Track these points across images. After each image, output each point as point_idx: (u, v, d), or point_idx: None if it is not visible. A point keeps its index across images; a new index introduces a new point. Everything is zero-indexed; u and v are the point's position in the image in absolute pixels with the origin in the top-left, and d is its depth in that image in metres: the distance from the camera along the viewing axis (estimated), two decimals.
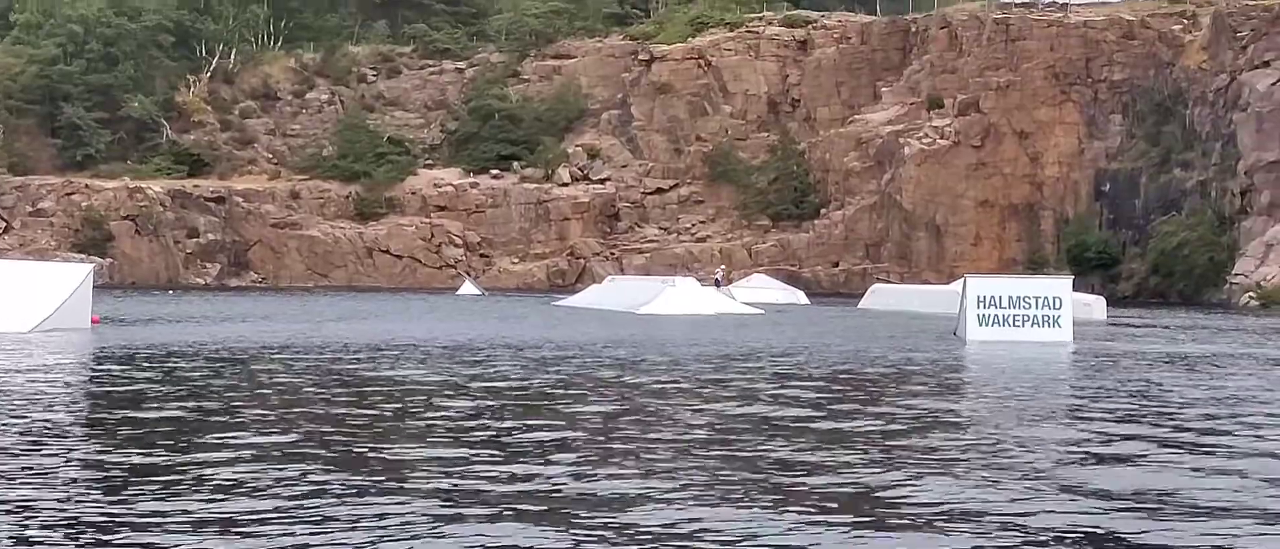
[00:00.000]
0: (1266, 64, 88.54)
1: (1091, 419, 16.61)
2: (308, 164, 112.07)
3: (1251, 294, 77.01)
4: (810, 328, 42.03)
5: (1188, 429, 15.62)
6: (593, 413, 16.59)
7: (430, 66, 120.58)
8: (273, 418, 15.63)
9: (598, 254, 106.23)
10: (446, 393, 18.70)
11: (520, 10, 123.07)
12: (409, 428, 14.80)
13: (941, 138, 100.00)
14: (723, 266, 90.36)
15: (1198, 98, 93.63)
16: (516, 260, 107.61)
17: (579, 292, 77.09)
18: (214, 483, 11.02)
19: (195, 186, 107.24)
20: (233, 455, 12.45)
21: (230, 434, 13.91)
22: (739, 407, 17.48)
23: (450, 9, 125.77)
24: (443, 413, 16.22)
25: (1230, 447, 14.09)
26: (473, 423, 15.23)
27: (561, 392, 19.32)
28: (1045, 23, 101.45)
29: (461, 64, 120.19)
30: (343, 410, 16.48)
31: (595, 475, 11.66)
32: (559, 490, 10.95)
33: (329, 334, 33.86)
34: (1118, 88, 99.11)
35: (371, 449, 13.07)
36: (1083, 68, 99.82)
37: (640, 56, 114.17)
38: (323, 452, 12.83)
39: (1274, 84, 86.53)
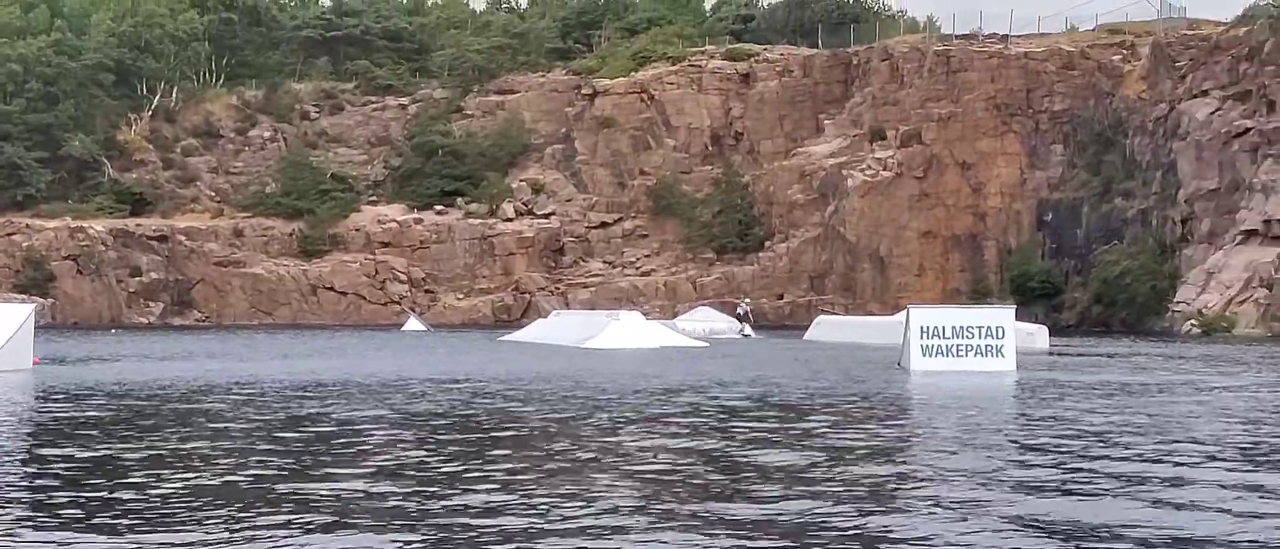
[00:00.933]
0: (1205, 93, 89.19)
1: (1032, 448, 16.63)
2: (251, 202, 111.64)
3: (1193, 322, 77.42)
4: (755, 360, 42.02)
5: (1130, 458, 15.65)
6: (529, 448, 16.51)
7: (373, 103, 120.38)
8: (197, 456, 15.50)
9: (543, 289, 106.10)
10: (373, 428, 18.60)
11: (463, 46, 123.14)
12: (336, 461, 14.71)
13: (884, 169, 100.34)
14: (748, 300, 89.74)
15: (1138, 127, 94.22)
16: (461, 296, 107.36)
17: (524, 327, 76.91)
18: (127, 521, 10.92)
19: (137, 225, 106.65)
20: (150, 494, 12.33)
21: (156, 472, 13.78)
22: (675, 440, 17.43)
23: (392, 45, 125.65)
24: (367, 448, 16.13)
25: (1173, 477, 14.12)
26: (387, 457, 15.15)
27: (490, 424, 19.23)
28: (986, 54, 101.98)
29: (404, 100, 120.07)
30: (269, 446, 16.36)
31: (525, 507, 11.60)
32: (480, 524, 10.88)
33: (266, 371, 33.65)
34: (1058, 118, 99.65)
35: (296, 485, 12.97)
36: (1024, 98, 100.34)
37: (583, 91, 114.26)
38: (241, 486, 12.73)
39: (1213, 113, 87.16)
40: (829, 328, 70.34)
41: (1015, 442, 17.51)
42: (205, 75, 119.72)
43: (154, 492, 12.69)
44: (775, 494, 12.61)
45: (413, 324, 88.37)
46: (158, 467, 14.51)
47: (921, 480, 13.52)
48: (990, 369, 34.53)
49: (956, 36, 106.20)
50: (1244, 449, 16.68)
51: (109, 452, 16.03)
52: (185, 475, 13.81)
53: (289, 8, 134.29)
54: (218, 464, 14.82)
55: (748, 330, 75.34)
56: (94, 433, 18.24)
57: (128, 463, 14.93)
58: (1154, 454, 15.96)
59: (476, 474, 13.93)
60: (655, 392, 26.69)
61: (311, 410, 22.03)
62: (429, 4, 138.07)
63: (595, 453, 16.02)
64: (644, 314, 68.93)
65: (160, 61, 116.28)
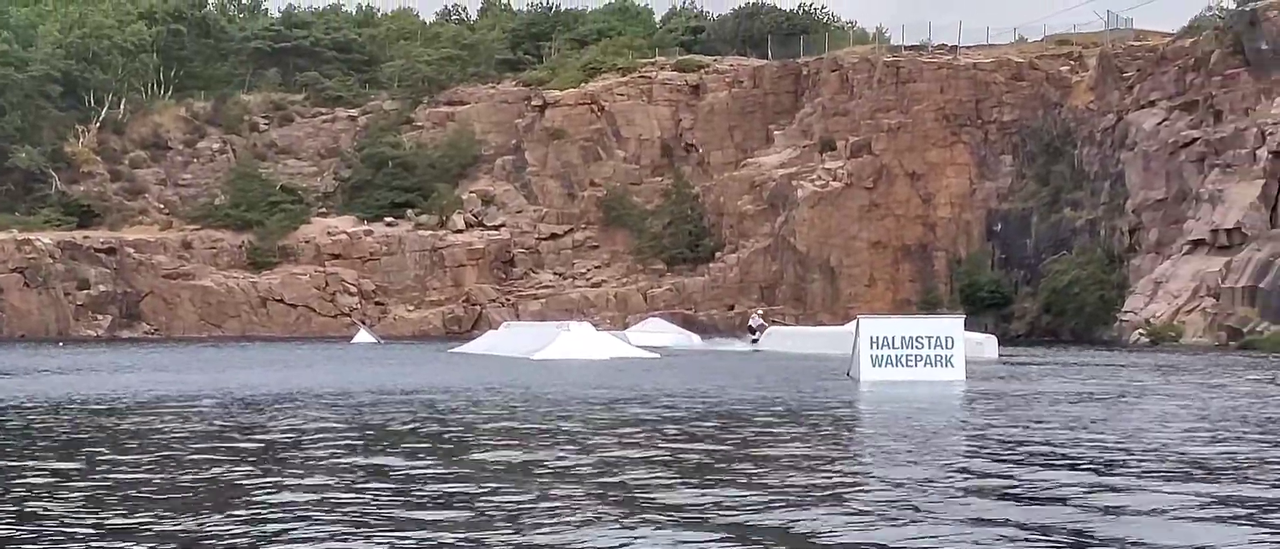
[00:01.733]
0: (1152, 104, 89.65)
1: (979, 455, 16.66)
2: (200, 214, 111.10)
3: (1141, 331, 77.73)
4: (705, 370, 42.03)
5: (1083, 466, 15.69)
6: (470, 456, 16.44)
7: (323, 114, 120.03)
8: (130, 465, 15.39)
9: (493, 300, 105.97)
10: (307, 440, 18.51)
11: (413, 57, 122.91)
12: (284, 469, 14.62)
13: (834, 180, 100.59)
14: (762, 309, 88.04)
15: (1086, 137, 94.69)
16: (412, 308, 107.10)
17: (475, 338, 76.75)
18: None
19: (85, 238, 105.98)
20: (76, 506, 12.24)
21: (87, 485, 13.68)
22: (617, 448, 17.39)
23: (342, 57, 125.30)
24: (308, 456, 16.04)
25: (1125, 486, 14.16)
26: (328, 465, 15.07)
27: (434, 433, 19.16)
28: (935, 65, 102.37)
29: (354, 112, 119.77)
30: (209, 458, 16.25)
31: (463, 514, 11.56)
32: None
33: (208, 384, 33.48)
34: (1007, 128, 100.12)
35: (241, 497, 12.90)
36: (973, 109, 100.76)
37: (533, 102, 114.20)
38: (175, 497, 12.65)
39: (1160, 123, 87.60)
40: (779, 338, 70.43)
41: (963, 450, 17.53)
42: (153, 87, 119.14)
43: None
44: (716, 499, 12.58)
45: (363, 336, 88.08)
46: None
47: (870, 486, 13.52)
48: (940, 379, 34.63)
49: (906, 47, 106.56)
50: (1189, 457, 16.74)
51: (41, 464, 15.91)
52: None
53: (238, 19, 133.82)
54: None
55: (759, 341, 72.23)
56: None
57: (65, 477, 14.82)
58: (1100, 461, 16.01)
59: (407, 483, 13.86)
60: (601, 402, 26.65)
61: (251, 422, 21.91)
62: (379, 15, 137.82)
63: (534, 461, 15.97)
64: (594, 325, 68.84)
65: (108, 73, 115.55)
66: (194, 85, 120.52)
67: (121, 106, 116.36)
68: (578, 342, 55.36)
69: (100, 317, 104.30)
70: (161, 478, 14.71)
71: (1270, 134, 76.26)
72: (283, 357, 56.41)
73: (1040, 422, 21.89)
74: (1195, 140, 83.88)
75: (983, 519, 11.69)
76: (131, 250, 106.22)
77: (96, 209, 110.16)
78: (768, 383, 34.27)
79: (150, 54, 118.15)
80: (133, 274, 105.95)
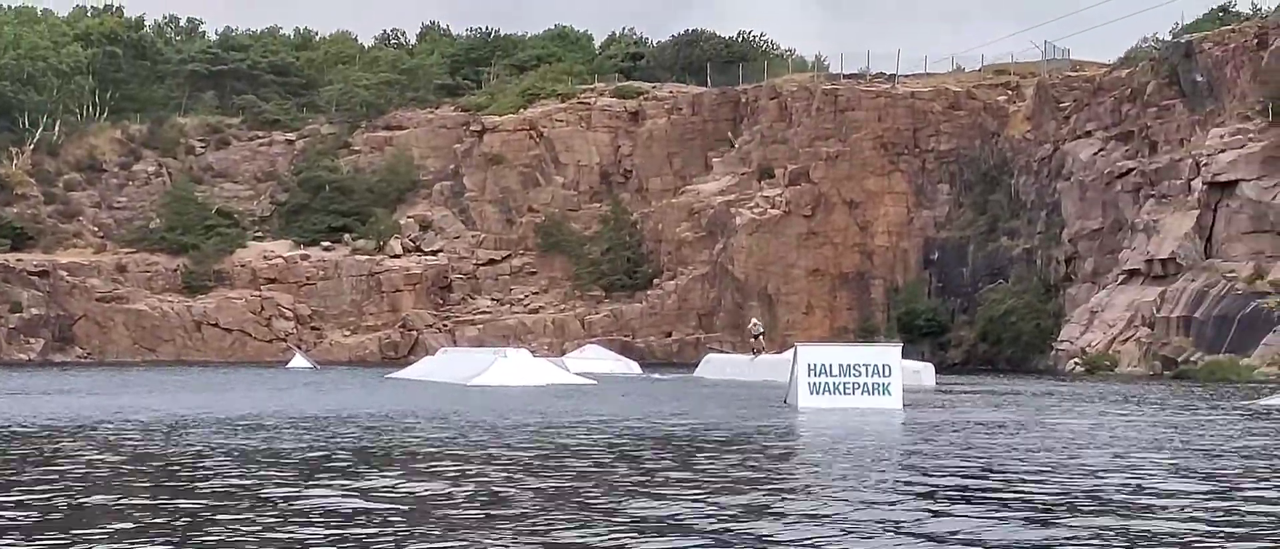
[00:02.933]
0: (1088, 134, 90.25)
1: (914, 481, 16.56)
2: (134, 237, 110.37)
3: (1077, 360, 78.08)
4: (642, 397, 41.85)
5: (1017, 494, 15.61)
6: (385, 480, 16.22)
7: (260, 138, 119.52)
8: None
9: (430, 326, 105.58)
10: (207, 463, 18.24)
11: (351, 81, 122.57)
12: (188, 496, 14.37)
13: (772, 207, 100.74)
14: (755, 321, 79.02)
15: (1023, 167, 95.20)
16: (348, 333, 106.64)
17: (412, 364, 76.36)
18: None
19: (18, 260, 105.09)
20: None
21: None
22: (541, 474, 17.21)
23: (280, 80, 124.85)
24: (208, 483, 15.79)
25: (1063, 511, 14.07)
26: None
27: (347, 460, 18.93)
28: (873, 93, 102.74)
29: (292, 135, 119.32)
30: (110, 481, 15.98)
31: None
32: None
33: (131, 407, 33.09)
34: (945, 157, 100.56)
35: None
36: (910, 138, 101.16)
37: (472, 127, 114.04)
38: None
39: (1096, 153, 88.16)
40: (717, 365, 70.30)
41: (898, 476, 17.43)
42: (89, 109, 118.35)
43: None
44: (648, 525, 12.43)
45: (298, 361, 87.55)
46: None
47: (807, 511, 13.39)
48: (877, 407, 34.55)
49: (844, 76, 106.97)
50: (1125, 483, 16.70)
51: None
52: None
53: (175, 42, 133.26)
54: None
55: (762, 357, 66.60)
56: None
57: None
58: (1030, 487, 15.94)
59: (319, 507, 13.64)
60: (534, 428, 26.45)
61: (160, 447, 21.60)
62: (317, 39, 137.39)
63: (459, 488, 15.77)
64: (532, 352, 68.56)
65: (43, 94, 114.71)
66: (130, 108, 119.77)
67: (56, 128, 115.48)
68: (514, 368, 55.11)
69: (33, 340, 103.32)
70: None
71: (1205, 165, 76.80)
72: (208, 381, 55.91)
73: (977, 449, 21.83)
74: (1131, 170, 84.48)
75: (917, 533, 11.56)
76: (65, 273, 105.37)
77: (30, 231, 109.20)
78: (705, 410, 34.13)
79: (86, 76, 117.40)
80: (66, 297, 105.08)
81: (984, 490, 16.05)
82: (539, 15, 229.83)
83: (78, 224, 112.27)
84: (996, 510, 14.14)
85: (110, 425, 27.06)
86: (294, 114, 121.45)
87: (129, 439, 23.50)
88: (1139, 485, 16.59)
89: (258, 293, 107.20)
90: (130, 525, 12.69)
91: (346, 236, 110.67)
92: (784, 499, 15.08)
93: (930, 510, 14.15)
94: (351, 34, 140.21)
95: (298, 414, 31.04)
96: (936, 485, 16.60)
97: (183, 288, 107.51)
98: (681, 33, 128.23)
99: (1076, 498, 15.34)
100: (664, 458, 20.28)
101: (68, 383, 53.19)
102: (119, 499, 14.81)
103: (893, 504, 14.68)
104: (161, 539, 11.94)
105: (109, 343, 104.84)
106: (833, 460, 20.07)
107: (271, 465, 18.55)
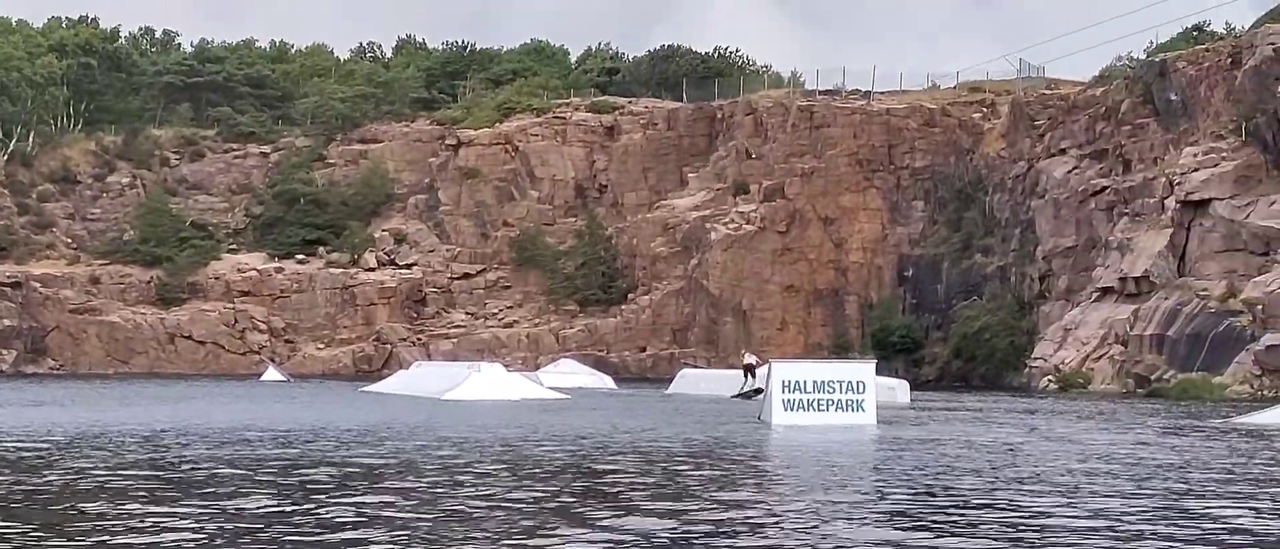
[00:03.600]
0: (1062, 152, 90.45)
1: (886, 497, 16.55)
2: (108, 249, 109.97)
3: (1050, 378, 78.20)
4: (615, 413, 41.79)
5: (982, 506, 15.60)
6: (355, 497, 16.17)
7: (234, 150, 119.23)
8: None
9: (404, 339, 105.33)
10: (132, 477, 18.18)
11: (326, 94, 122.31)
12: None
13: (747, 223, 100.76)
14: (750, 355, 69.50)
15: (997, 184, 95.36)
16: (322, 346, 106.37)
17: (385, 377, 76.20)
18: None
19: None
20: None
21: None
22: (508, 489, 17.17)
23: (255, 92, 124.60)
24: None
25: (1041, 526, 14.07)
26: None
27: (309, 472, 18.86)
28: (849, 110, 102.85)
29: (266, 148, 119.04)
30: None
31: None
32: None
33: (104, 420, 32.96)
34: (920, 174, 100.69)
35: None
36: (886, 154, 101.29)
37: (447, 141, 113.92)
38: None
39: (1070, 171, 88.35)
40: (692, 381, 70.20)
41: (870, 492, 17.43)
42: (63, 120, 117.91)
43: None
44: (613, 541, 12.40)
45: (272, 374, 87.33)
46: None
47: (776, 528, 13.37)
48: (851, 423, 34.57)
49: (820, 92, 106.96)
50: (1103, 495, 16.71)
51: None
52: None
53: (150, 53, 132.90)
54: None
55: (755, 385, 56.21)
56: None
57: None
58: (1002, 501, 15.94)
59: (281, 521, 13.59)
60: (504, 442, 26.39)
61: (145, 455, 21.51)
62: (293, 51, 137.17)
63: (428, 505, 15.72)
64: (506, 366, 68.43)
65: (17, 105, 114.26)
66: (104, 119, 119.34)
67: (30, 139, 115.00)
68: (488, 382, 55.06)
69: (5, 351, 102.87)
70: None
71: (1178, 183, 77.01)
72: (188, 393, 55.71)
73: (951, 466, 21.83)
74: (1105, 189, 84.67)
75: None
76: (38, 285, 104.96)
77: (2, 242, 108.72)
78: (679, 425, 34.10)
79: (60, 87, 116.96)
80: (39, 309, 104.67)
81: (948, 511, 16.05)
82: (515, 29, 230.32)
83: (51, 235, 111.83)
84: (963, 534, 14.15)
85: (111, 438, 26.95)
86: (269, 127, 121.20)
87: (133, 451, 23.41)
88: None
89: (231, 305, 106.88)
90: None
91: (321, 249, 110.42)
92: (747, 517, 15.07)
93: (892, 537, 14.16)
94: (327, 47, 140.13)
95: (281, 428, 30.96)
96: (901, 506, 16.59)
97: (156, 300, 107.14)
98: (657, 48, 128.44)
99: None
100: (632, 474, 20.25)
101: (49, 395, 52.97)
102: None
103: (853, 520, 14.68)
104: None
105: (82, 355, 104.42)
106: (801, 478, 20.06)
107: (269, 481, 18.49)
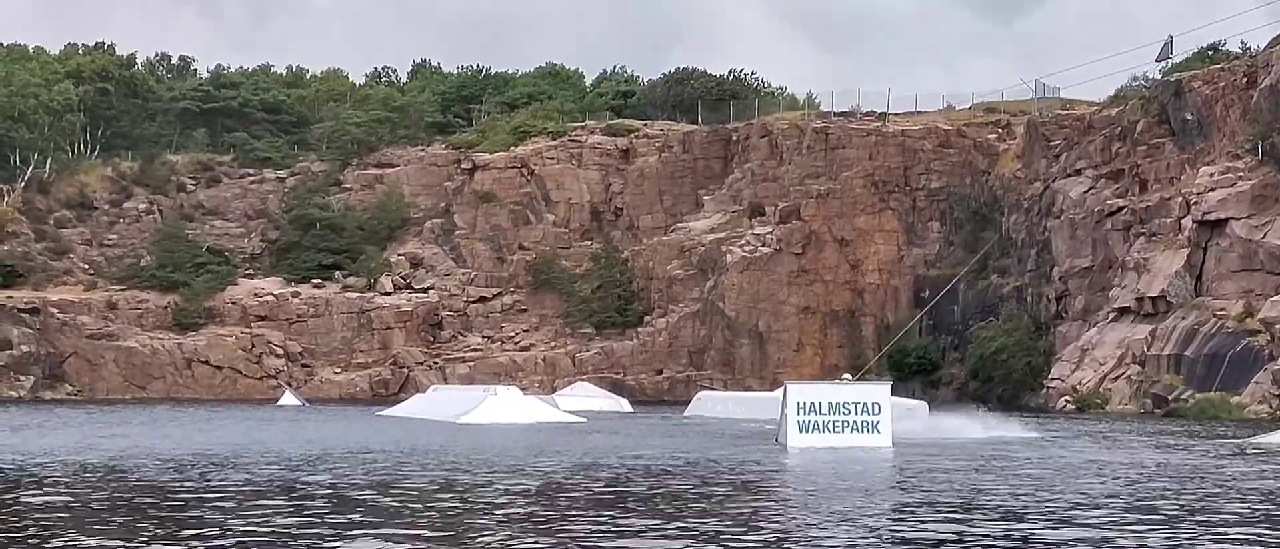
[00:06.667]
0: (1078, 172, 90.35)
1: (898, 520, 16.52)
2: (125, 274, 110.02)
3: (1067, 398, 78.10)
4: (632, 436, 41.76)
5: (999, 531, 15.57)
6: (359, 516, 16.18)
7: (251, 175, 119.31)
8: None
9: (421, 363, 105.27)
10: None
11: (342, 119, 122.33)
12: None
13: (763, 245, 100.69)
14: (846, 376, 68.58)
15: (1013, 205, 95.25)
16: (339, 370, 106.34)
17: (402, 402, 76.26)
18: None
19: (8, 298, 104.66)
20: None
21: None
22: (523, 510, 17.16)
23: (271, 118, 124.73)
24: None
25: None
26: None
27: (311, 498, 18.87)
28: (864, 131, 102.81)
29: (282, 173, 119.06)
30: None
31: None
32: None
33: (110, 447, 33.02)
34: (935, 195, 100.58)
35: None
36: (901, 176, 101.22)
37: (463, 165, 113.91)
38: None
39: (1086, 191, 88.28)
40: (709, 403, 70.25)
41: (885, 514, 17.40)
42: (80, 146, 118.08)
43: None
44: None
45: (288, 399, 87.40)
46: None
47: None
48: (867, 445, 34.52)
49: (835, 114, 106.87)
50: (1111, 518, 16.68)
51: None
52: None
53: (166, 79, 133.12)
54: None
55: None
56: None
57: None
58: (1010, 526, 15.90)
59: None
60: (520, 464, 26.37)
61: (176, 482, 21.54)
62: (308, 76, 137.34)
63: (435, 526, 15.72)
64: (522, 390, 68.45)
65: (34, 132, 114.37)
66: (121, 145, 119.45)
67: (47, 166, 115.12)
68: (504, 406, 55.13)
69: (22, 378, 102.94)
70: None
71: (1195, 203, 76.94)
72: (207, 419, 55.77)
73: (966, 486, 21.78)
74: (1121, 209, 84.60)
75: None
76: (55, 311, 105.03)
77: (20, 269, 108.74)
78: (694, 449, 34.07)
79: (77, 113, 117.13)
80: (56, 335, 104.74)
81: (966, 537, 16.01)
82: (530, 53, 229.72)
83: (68, 261, 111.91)
84: None
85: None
86: (285, 152, 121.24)
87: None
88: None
89: (248, 330, 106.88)
90: None
91: (337, 274, 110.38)
92: (763, 539, 15.06)
93: None
94: (343, 72, 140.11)
95: (293, 452, 31.00)
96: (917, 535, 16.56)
97: (173, 325, 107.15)
98: (672, 71, 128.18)
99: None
100: (647, 496, 20.23)
101: (71, 420, 53.04)
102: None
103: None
104: None
105: (99, 380, 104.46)
106: (815, 502, 20.03)
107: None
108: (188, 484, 22.22)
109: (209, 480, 22.96)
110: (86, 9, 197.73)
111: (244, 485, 21.93)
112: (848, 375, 70.30)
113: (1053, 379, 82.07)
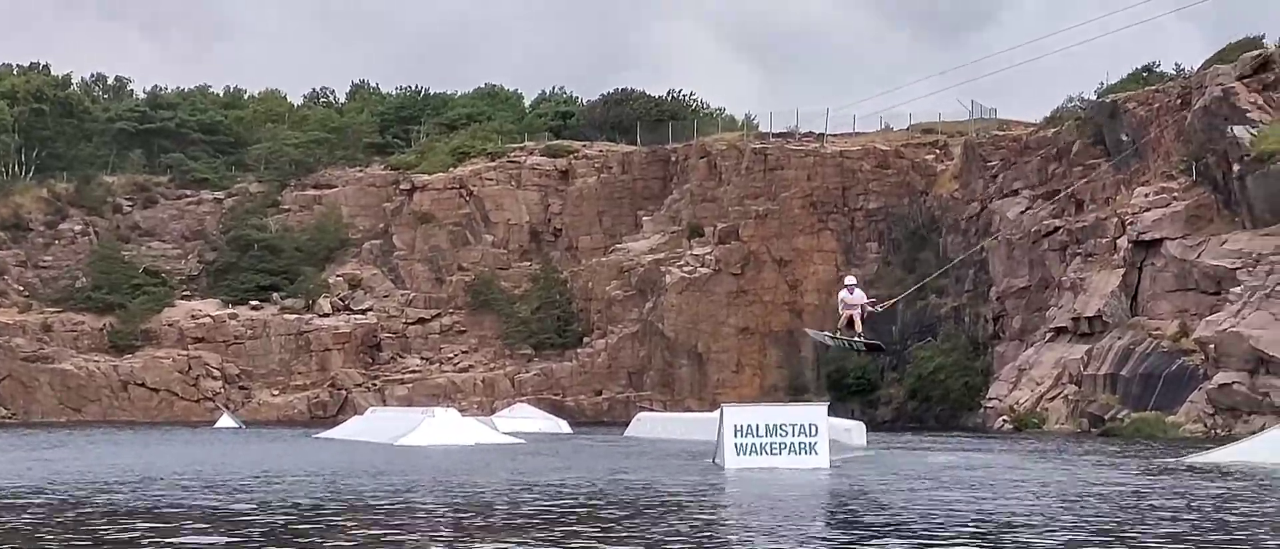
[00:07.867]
0: (1015, 192, 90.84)
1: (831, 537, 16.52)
2: (60, 296, 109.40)
3: (1005, 417, 78.38)
4: (569, 457, 41.67)
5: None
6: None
7: (188, 196, 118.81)
8: None
9: (360, 385, 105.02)
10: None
11: (280, 140, 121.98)
12: None
13: (702, 266, 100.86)
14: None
15: (951, 225, 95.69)
16: (277, 392, 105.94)
17: (340, 423, 75.90)
18: None
19: None
20: None
21: None
22: (457, 533, 17.09)
23: (208, 138, 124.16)
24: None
25: None
26: None
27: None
28: (802, 152, 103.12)
29: (220, 194, 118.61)
30: None
31: None
32: None
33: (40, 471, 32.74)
34: (873, 216, 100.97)
35: None
36: (839, 196, 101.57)
37: (402, 186, 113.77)
38: None
39: (1022, 212, 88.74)
40: (649, 424, 70.09)
41: (818, 535, 17.40)
42: (14, 167, 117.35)
43: None
44: None
45: (226, 421, 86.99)
46: None
47: None
48: (804, 466, 34.48)
49: (773, 135, 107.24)
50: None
51: None
52: None
53: (102, 100, 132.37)
54: None
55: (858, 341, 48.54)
56: None
57: None
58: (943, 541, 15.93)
59: None
60: (455, 487, 26.28)
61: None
62: (246, 97, 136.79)
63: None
64: (461, 411, 68.24)
65: None
66: (56, 166, 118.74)
67: None
68: (442, 427, 54.93)
69: None
70: None
71: (1130, 223, 77.42)
72: (139, 441, 55.35)
73: (900, 506, 21.81)
74: (1057, 229, 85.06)
75: None
76: None
77: None
78: (632, 469, 34.02)
79: (11, 134, 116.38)
80: None
81: None
82: (469, 74, 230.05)
83: (3, 283, 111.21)
84: None
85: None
86: (222, 173, 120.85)
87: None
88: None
89: (185, 352, 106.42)
90: None
91: (275, 295, 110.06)
92: None
93: None
94: (281, 92, 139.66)
95: (231, 475, 30.78)
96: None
97: (109, 347, 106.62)
98: (611, 92, 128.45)
99: None
100: (583, 519, 20.17)
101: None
102: None
103: None
104: None
105: (34, 403, 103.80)
106: (748, 520, 20.02)
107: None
108: (111, 509, 22.04)
109: (133, 506, 22.78)
110: (21, 29, 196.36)
111: (168, 509, 21.77)
112: None
113: (990, 399, 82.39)
